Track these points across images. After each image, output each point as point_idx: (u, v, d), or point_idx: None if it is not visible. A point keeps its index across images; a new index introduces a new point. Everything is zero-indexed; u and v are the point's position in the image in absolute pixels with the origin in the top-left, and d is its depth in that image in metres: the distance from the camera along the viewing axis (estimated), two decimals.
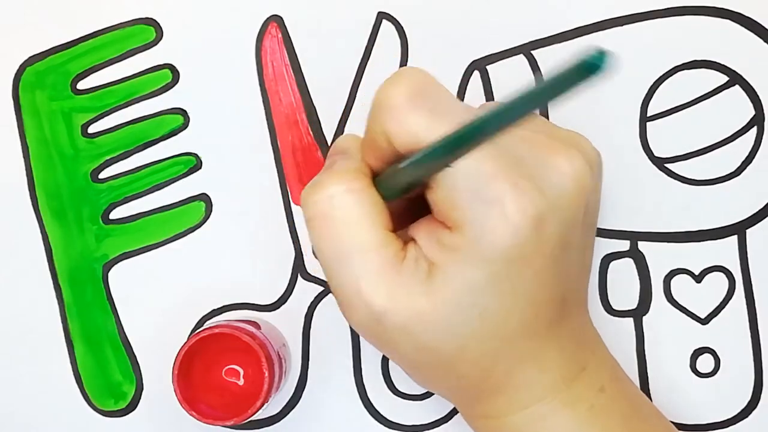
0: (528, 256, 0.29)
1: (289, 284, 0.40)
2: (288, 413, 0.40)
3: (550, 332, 0.31)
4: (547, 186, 0.29)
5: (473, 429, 0.35)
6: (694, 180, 0.40)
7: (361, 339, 0.40)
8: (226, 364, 0.39)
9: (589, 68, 0.20)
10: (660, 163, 0.40)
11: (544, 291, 0.30)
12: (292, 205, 0.40)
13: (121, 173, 0.40)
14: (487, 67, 0.40)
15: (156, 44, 0.40)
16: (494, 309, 0.29)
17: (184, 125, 0.40)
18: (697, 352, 0.40)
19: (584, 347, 0.34)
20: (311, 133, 0.40)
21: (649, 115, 0.40)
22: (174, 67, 0.40)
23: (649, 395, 0.40)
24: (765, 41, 0.40)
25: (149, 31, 0.40)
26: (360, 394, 0.40)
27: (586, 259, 0.34)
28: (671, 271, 0.40)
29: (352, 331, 0.40)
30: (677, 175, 0.40)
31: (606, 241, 0.40)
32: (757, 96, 0.40)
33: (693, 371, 0.40)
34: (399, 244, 0.30)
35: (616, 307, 0.40)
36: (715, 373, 0.40)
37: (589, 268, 0.35)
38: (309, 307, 0.40)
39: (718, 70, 0.40)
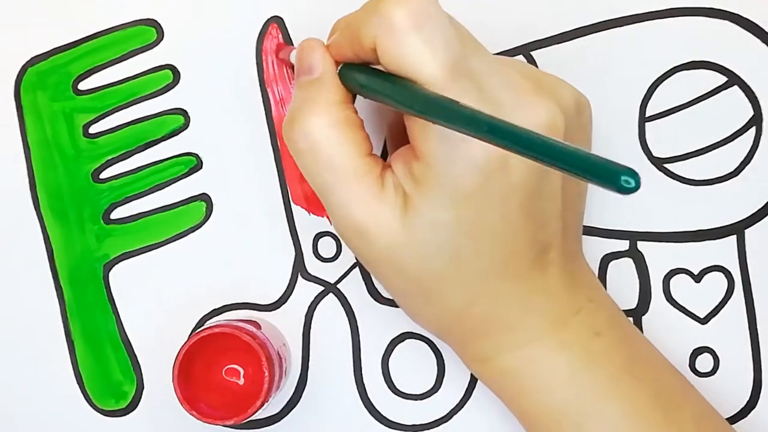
0: (494, 198, 0.30)
1: (289, 284, 0.40)
2: (288, 413, 0.40)
3: (531, 276, 0.32)
4: None
5: (476, 375, 0.35)
6: (692, 180, 0.40)
7: (361, 338, 0.40)
8: (226, 363, 0.39)
9: (612, 175, 0.19)
10: (659, 163, 0.40)
11: (516, 235, 0.31)
12: (292, 204, 0.40)
13: (122, 173, 0.41)
14: None
15: (157, 45, 0.40)
16: (465, 250, 0.31)
17: (185, 125, 0.40)
18: (696, 352, 0.40)
19: (576, 292, 0.34)
20: None
21: (648, 115, 0.40)
22: (175, 67, 0.40)
23: None
24: (763, 42, 0.40)
25: (150, 32, 0.40)
26: (360, 394, 0.40)
27: (573, 206, 0.34)
28: (670, 270, 0.40)
29: (352, 330, 0.40)
30: (676, 175, 0.40)
31: (605, 240, 0.40)
32: (756, 97, 0.40)
33: (692, 371, 0.40)
34: (378, 169, 0.31)
35: None
36: (714, 372, 0.40)
37: (581, 214, 0.35)
38: (309, 306, 0.40)
39: (716, 71, 0.40)
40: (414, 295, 0.33)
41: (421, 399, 0.40)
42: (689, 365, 0.40)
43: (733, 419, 0.40)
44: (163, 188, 0.41)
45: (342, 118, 0.31)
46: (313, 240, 0.40)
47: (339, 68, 0.32)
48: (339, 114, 0.31)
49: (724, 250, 0.40)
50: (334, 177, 0.31)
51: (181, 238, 0.41)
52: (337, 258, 0.40)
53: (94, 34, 0.40)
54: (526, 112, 0.30)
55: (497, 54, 0.40)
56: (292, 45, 0.40)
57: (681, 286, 0.40)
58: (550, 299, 0.33)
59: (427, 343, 0.40)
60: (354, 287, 0.40)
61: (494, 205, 0.30)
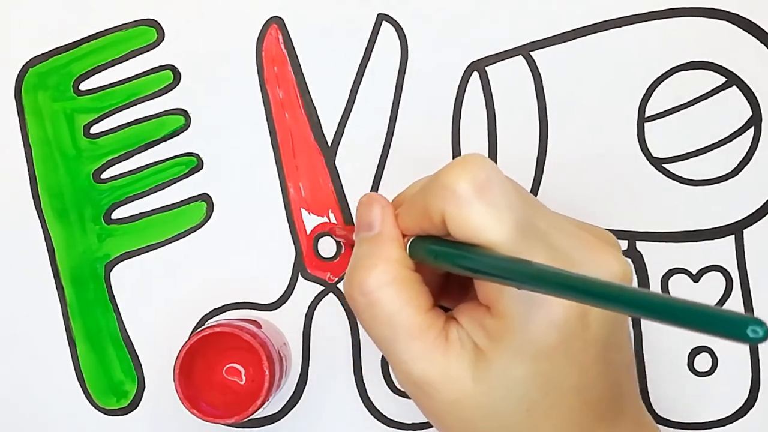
0: (574, 354, 0.29)
1: (289, 283, 0.41)
2: (288, 412, 0.41)
3: (603, 429, 0.31)
4: None
5: None
6: (691, 180, 0.40)
7: (361, 338, 0.41)
8: (227, 362, 0.39)
9: (738, 328, 0.19)
10: (658, 163, 0.40)
11: (593, 389, 0.30)
12: (292, 204, 0.40)
13: (123, 173, 0.41)
14: (486, 68, 0.40)
15: (157, 45, 0.40)
16: (542, 404, 0.30)
17: (186, 126, 0.41)
18: (695, 351, 0.40)
19: None
20: (312, 133, 0.40)
21: (647, 115, 0.40)
22: (175, 68, 0.40)
23: (647, 394, 0.40)
24: (762, 43, 0.40)
25: (151, 32, 0.40)
26: (360, 393, 0.40)
27: (630, 356, 0.34)
28: (669, 270, 0.40)
29: (352, 329, 0.41)
30: (675, 175, 0.40)
31: None
32: (755, 97, 0.40)
33: (691, 370, 0.40)
34: (441, 322, 0.31)
35: None
36: (713, 372, 0.40)
37: (634, 362, 0.35)
38: (309, 306, 0.41)
39: (715, 71, 0.40)
40: None
41: None
42: (688, 365, 0.40)
43: (731, 418, 0.40)
44: (164, 188, 0.41)
45: (401, 275, 0.31)
46: (314, 240, 0.40)
47: (409, 242, 0.32)
48: (398, 271, 0.31)
49: (723, 250, 0.40)
50: (394, 334, 0.30)
51: (181, 237, 0.41)
52: (337, 258, 0.40)
53: (95, 34, 0.40)
54: (599, 264, 0.30)
55: (498, 54, 0.40)
56: (293, 46, 0.40)
57: (679, 285, 0.40)
58: None
59: None
60: None
61: (572, 360, 0.29)
